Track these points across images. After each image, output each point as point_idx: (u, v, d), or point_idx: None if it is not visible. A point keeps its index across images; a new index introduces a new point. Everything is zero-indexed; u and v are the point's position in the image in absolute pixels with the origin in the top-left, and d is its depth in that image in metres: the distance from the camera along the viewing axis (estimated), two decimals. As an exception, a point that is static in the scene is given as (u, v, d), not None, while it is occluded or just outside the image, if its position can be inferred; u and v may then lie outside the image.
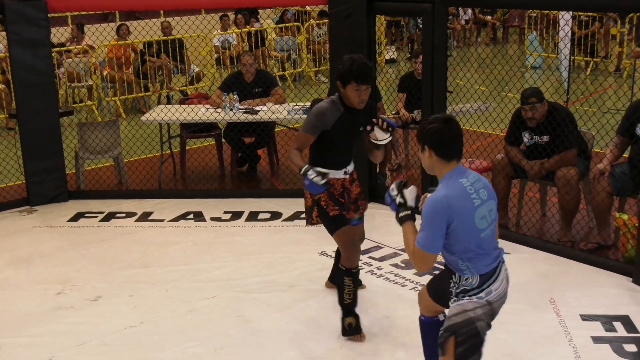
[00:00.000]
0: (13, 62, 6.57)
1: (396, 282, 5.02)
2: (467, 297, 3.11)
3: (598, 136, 5.82)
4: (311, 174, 3.85)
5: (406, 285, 4.96)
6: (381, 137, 4.06)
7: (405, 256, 5.37)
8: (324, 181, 3.87)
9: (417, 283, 4.95)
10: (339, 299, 4.27)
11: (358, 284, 4.61)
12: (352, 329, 4.24)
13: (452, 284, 3.17)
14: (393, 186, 3.25)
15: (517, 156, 5.75)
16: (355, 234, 4.30)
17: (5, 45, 7.54)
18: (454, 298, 3.16)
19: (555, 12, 12.13)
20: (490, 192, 3.16)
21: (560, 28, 9.83)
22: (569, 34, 10.05)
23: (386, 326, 4.42)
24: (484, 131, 7.17)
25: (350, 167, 4.33)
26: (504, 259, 3.21)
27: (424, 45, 6.14)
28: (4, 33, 6.99)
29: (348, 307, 4.25)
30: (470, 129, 7.17)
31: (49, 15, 6.60)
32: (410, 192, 3.21)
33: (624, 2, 5.35)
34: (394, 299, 4.76)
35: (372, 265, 5.26)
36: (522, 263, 5.24)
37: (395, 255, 5.42)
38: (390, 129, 4.05)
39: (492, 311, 3.15)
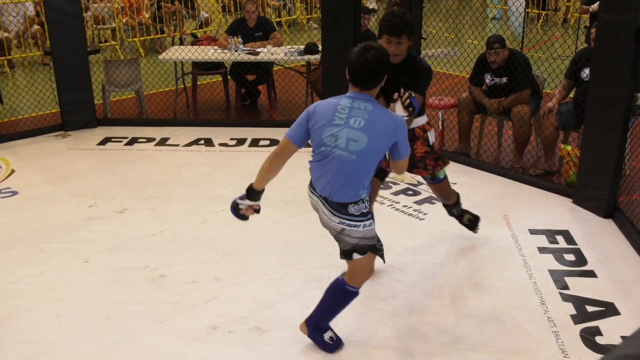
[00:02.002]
0: (47, 6, 6.35)
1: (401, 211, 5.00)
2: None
3: (549, 79, 5.74)
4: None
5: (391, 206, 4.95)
6: (399, 113, 3.09)
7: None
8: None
9: (394, 202, 4.94)
10: None
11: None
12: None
13: None
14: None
15: (480, 95, 5.68)
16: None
17: (39, -9, 7.29)
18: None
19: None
20: (370, 128, 2.79)
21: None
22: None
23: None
24: (451, 73, 7.05)
25: (413, 123, 3.68)
26: (322, 205, 2.93)
27: (402, -3, 5.96)
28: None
29: None
30: (440, 70, 7.06)
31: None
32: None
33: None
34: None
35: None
36: (481, 185, 5.23)
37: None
38: (410, 109, 3.10)
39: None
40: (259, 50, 7.08)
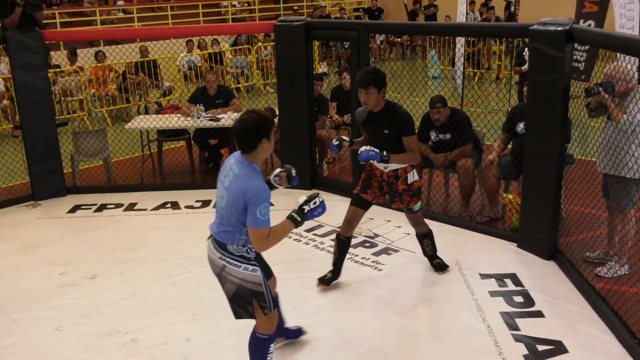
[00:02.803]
0: (16, 83, 6.27)
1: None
2: None
3: (488, 132, 5.88)
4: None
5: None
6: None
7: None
8: (336, 142, 4.08)
9: (353, 254, 4.92)
10: None
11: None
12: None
13: None
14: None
15: (426, 150, 5.76)
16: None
17: (8, 69, 7.21)
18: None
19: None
20: (231, 191, 2.89)
21: (458, 48, 9.89)
22: (462, 52, 10.14)
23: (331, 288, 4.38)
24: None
25: (393, 165, 4.09)
26: (212, 242, 3.05)
27: (351, 62, 6.07)
28: (7, 59, 6.65)
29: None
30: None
31: (45, 42, 6.32)
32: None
33: (498, 30, 5.39)
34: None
35: (316, 241, 5.21)
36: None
37: (333, 232, 5.36)
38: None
39: None
40: (220, 116, 7.10)
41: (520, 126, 5.31)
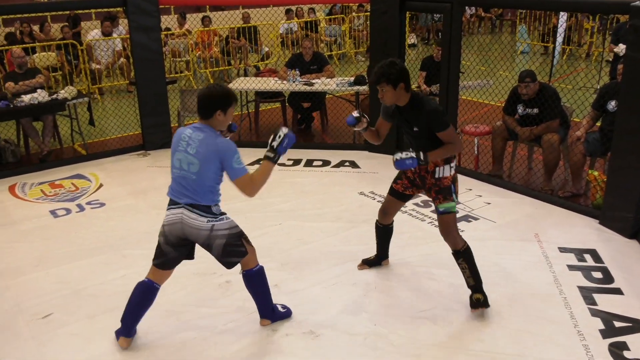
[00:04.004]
0: (133, 43, 6.48)
1: (417, 217, 4.90)
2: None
3: (578, 110, 5.55)
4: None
5: (424, 220, 4.84)
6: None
7: (424, 197, 5.24)
8: (357, 115, 3.47)
9: (433, 219, 4.83)
10: None
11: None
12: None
13: None
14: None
15: (512, 123, 5.52)
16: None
17: (127, 30, 7.45)
18: None
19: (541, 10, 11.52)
20: (201, 154, 2.95)
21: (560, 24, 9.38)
22: (564, 27, 9.57)
23: (408, 251, 4.33)
24: (486, 102, 6.89)
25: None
26: (188, 211, 3.07)
27: (443, 35, 5.85)
28: (126, 21, 6.88)
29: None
30: (473, 99, 6.89)
31: (159, 7, 6.48)
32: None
33: (596, 6, 4.97)
34: (416, 229, 4.65)
35: (398, 203, 5.13)
36: (513, 206, 5.07)
37: (417, 196, 5.25)
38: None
39: (164, 231, 3.14)
40: (313, 81, 7.07)
41: (612, 104, 4.96)
